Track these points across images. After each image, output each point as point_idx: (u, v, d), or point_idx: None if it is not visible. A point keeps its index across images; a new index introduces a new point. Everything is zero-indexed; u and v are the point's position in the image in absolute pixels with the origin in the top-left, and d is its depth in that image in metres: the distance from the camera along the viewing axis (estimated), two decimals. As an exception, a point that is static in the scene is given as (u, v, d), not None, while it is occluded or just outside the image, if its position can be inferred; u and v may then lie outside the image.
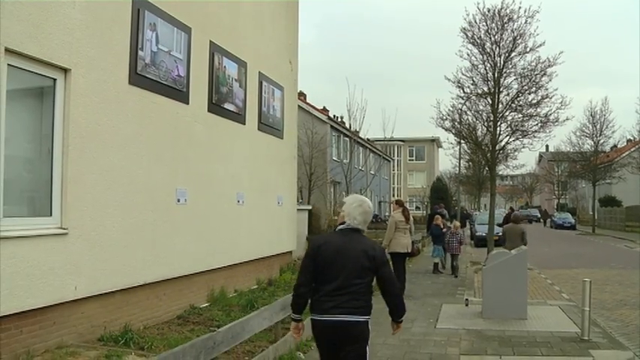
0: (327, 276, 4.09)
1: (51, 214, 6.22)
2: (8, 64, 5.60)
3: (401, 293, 4.59)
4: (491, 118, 18.71)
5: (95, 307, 6.77)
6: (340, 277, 4.05)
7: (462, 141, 23.49)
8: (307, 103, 30.89)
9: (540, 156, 74.11)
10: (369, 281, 4.14)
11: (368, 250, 4.15)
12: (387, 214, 43.46)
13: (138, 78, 7.59)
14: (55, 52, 6.12)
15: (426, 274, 15.43)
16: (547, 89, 18.09)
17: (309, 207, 21.52)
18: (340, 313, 4.01)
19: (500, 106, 18.52)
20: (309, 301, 4.19)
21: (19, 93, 6.06)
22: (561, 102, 18.01)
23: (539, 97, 18.16)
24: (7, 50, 5.51)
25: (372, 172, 35.59)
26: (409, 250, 11.38)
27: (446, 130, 20.54)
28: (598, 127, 40.68)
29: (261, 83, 11.90)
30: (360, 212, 4.23)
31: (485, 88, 18.82)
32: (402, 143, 61.35)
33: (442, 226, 17.09)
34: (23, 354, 5.66)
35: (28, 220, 5.99)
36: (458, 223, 17.98)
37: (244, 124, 11.05)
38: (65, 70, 6.33)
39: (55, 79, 6.27)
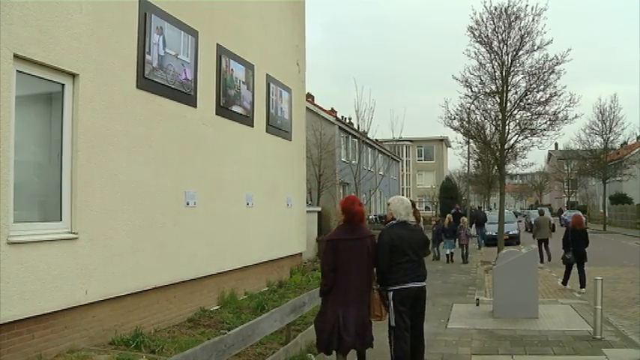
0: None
1: (61, 219, 6.26)
2: (17, 71, 5.64)
3: None
4: (500, 117, 18.68)
5: (106, 310, 6.80)
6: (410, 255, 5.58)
7: (471, 140, 23.47)
8: (315, 105, 30.85)
9: (550, 154, 73.73)
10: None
11: (423, 235, 5.92)
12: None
13: (145, 82, 7.62)
14: (63, 57, 6.15)
15: (436, 274, 15.37)
16: (555, 87, 18.09)
17: (319, 208, 21.45)
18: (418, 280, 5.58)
19: (508, 104, 18.49)
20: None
21: (29, 99, 6.10)
22: (570, 99, 18.01)
23: (548, 95, 18.16)
24: (16, 56, 5.54)
25: (381, 172, 35.46)
26: None
27: (454, 129, 20.60)
28: (607, 124, 40.51)
29: (268, 85, 11.91)
30: (403, 208, 5.65)
31: (493, 87, 18.81)
32: (410, 143, 61.06)
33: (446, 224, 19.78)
34: (35, 358, 5.69)
35: (39, 224, 6.02)
36: (466, 219, 20.94)
37: (252, 126, 11.07)
38: (73, 76, 6.36)
39: (63, 85, 6.31)
